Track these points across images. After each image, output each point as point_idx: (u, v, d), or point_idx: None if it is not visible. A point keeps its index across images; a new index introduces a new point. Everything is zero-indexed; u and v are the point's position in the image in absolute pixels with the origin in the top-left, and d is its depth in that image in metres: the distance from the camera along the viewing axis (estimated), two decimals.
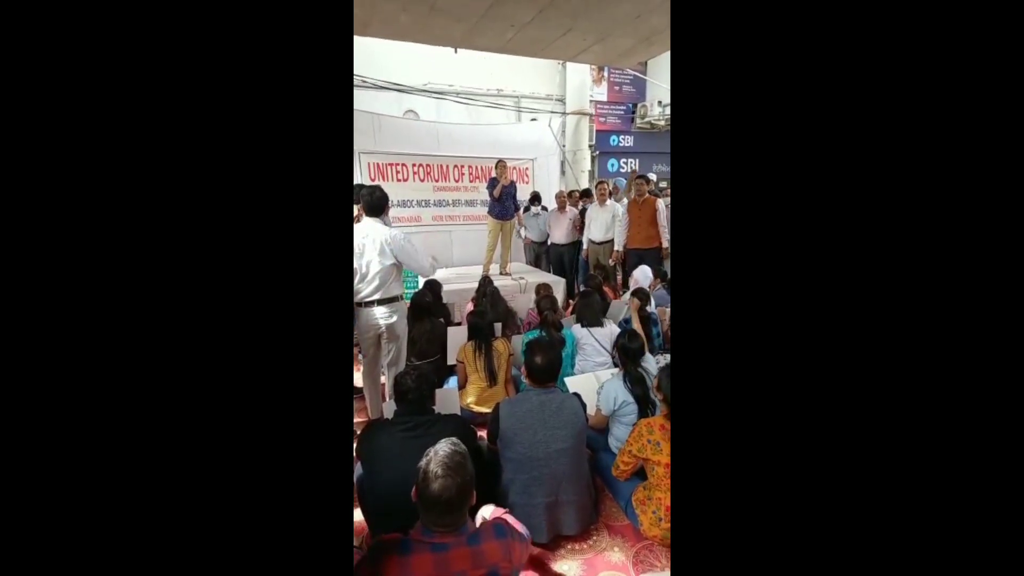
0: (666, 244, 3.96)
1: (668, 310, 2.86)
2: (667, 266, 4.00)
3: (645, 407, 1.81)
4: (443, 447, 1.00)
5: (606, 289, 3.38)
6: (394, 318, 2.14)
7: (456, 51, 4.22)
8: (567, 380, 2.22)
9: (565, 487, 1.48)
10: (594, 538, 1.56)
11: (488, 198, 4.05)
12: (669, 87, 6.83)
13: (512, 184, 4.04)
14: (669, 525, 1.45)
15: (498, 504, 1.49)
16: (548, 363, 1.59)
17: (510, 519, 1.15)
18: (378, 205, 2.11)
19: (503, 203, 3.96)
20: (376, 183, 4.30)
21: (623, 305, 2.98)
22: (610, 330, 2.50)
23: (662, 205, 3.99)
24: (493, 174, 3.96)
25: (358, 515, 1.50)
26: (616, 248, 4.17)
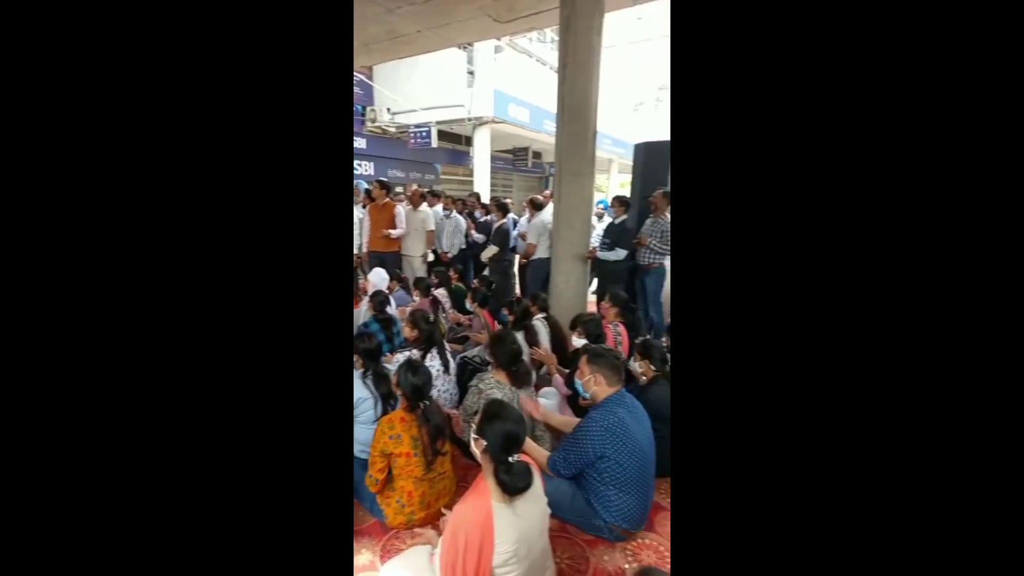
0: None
1: (407, 310, 3.02)
2: (406, 269, 4.20)
3: (387, 404, 1.88)
4: None
5: None
6: None
7: None
8: None
9: None
10: None
11: None
12: (395, 95, 7.11)
13: None
14: (412, 508, 1.56)
15: None
16: None
17: None
18: None
19: None
20: None
21: (360, 310, 2.96)
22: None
23: (400, 210, 4.15)
24: None
25: None
26: (355, 252, 4.08)
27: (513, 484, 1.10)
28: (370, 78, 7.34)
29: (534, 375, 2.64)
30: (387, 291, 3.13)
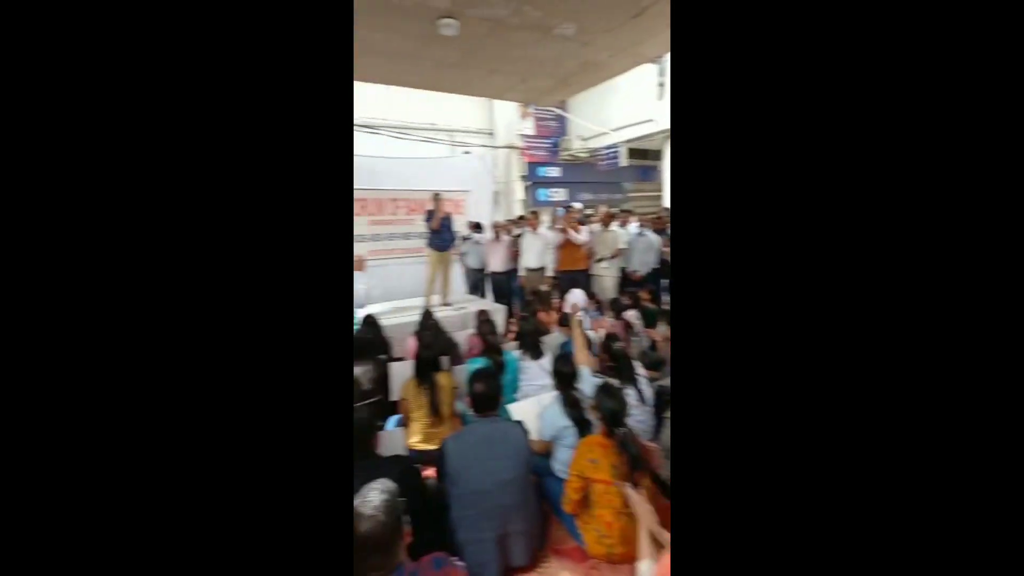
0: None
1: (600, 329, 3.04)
2: (593, 286, 4.28)
3: (584, 428, 1.89)
4: (370, 488, 1.00)
5: (542, 313, 3.51)
6: None
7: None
8: (510, 407, 2.26)
9: (513, 518, 1.51)
10: (543, 565, 1.59)
11: (426, 230, 4.09)
12: (588, 123, 7.38)
13: (448, 216, 4.12)
14: (612, 541, 1.52)
15: (447, 541, 1.48)
16: (488, 390, 1.63)
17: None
18: None
19: (441, 234, 4.02)
20: None
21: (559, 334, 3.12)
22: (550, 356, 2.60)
23: (584, 231, 4.30)
24: (429, 207, 4.02)
25: None
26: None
27: None
28: (565, 110, 7.83)
29: None
30: (583, 310, 3.21)
